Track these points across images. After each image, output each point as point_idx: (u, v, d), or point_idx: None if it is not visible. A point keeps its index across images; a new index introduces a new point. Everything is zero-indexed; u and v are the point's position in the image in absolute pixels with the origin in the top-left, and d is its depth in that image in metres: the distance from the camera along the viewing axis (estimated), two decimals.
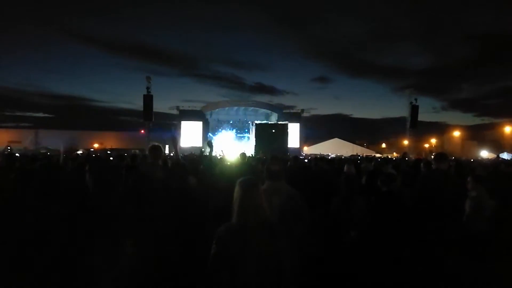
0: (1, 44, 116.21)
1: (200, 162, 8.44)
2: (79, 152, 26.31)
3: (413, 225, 3.49)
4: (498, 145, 49.90)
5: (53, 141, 49.42)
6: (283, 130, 28.93)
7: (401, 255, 3.34)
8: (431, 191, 4.03)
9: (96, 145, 49.74)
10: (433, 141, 60.34)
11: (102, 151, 31.15)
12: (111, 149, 30.70)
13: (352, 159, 13.28)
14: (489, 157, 31.75)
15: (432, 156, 4.78)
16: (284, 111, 39.93)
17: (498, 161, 12.90)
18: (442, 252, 3.60)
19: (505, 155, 32.07)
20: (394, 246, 3.35)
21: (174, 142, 5.47)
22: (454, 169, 5.98)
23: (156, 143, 4.48)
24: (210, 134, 36.69)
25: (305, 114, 41.17)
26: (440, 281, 3.52)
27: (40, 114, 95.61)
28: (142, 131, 43.28)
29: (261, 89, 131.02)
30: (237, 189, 2.37)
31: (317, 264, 3.50)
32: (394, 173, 5.20)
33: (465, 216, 3.79)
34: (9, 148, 31.09)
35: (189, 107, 39.28)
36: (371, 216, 3.54)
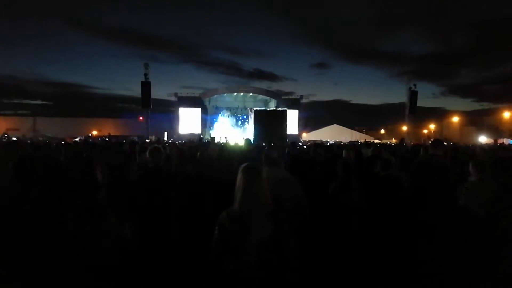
0: None
1: (197, 149, 8.47)
2: (77, 139, 26.22)
3: (410, 209, 3.49)
4: (497, 130, 49.87)
5: (51, 129, 49.48)
6: (282, 117, 28.80)
7: (400, 239, 3.35)
8: (425, 175, 4.03)
9: (94, 132, 49.65)
10: (432, 126, 60.37)
11: (101, 137, 31.05)
12: (109, 136, 30.61)
13: (351, 145, 13.27)
14: (488, 143, 31.77)
15: (429, 142, 4.77)
16: (282, 97, 39.74)
17: (496, 147, 12.89)
18: (438, 236, 3.60)
19: (506, 140, 32.09)
20: (393, 230, 3.35)
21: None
22: (450, 154, 5.97)
23: (156, 145, 4.43)
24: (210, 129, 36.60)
25: (304, 101, 40.98)
26: (434, 264, 3.53)
27: (38, 102, 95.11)
28: (141, 118, 43.23)
29: (259, 75, 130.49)
30: (240, 175, 2.36)
31: (318, 251, 3.50)
32: (392, 158, 5.18)
33: (461, 199, 3.77)
34: (6, 135, 31.03)
35: (187, 93, 39.06)
36: (369, 201, 3.53)
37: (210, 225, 2.33)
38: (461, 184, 3.84)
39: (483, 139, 42.34)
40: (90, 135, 43.50)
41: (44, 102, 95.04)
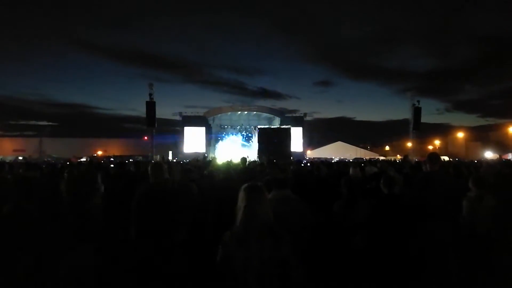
0: (5, 53, 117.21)
1: (204, 168, 8.56)
2: (82, 159, 26.44)
3: (413, 227, 3.53)
4: (503, 145, 49.63)
5: (57, 149, 49.89)
6: (286, 134, 28.92)
7: (405, 256, 3.38)
8: (423, 192, 4.09)
9: (99, 152, 50.00)
10: (437, 142, 60.19)
11: (106, 158, 31.29)
12: (114, 156, 30.84)
13: (357, 162, 13.32)
14: (494, 158, 31.61)
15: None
16: (286, 115, 39.99)
17: (501, 162, 12.87)
18: (440, 253, 3.62)
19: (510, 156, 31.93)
20: (397, 248, 3.38)
21: None
22: (453, 170, 6.01)
23: (158, 160, 4.52)
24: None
25: (308, 118, 41.24)
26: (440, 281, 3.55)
27: (44, 123, 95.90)
28: (146, 138, 43.51)
29: (263, 93, 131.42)
30: (241, 194, 2.36)
31: (323, 269, 3.53)
32: (396, 175, 5.22)
33: (461, 217, 3.81)
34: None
35: (191, 113, 39.46)
36: (373, 219, 3.58)
37: (212, 245, 2.37)
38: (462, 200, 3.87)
39: (488, 154, 42.16)
40: (95, 155, 43.80)
41: (50, 123, 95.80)
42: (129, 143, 58.60)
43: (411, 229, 3.45)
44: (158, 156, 27.87)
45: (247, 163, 9.01)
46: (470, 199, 3.87)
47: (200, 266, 3.44)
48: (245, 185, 2.43)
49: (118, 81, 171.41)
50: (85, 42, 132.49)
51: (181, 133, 37.61)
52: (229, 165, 6.93)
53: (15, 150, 51.04)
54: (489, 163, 11.77)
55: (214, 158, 8.99)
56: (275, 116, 39.80)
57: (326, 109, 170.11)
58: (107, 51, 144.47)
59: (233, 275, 2.17)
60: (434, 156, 4.51)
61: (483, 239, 3.50)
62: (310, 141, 44.72)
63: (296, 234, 2.63)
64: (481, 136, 63.06)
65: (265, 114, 40.43)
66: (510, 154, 34.91)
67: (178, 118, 38.74)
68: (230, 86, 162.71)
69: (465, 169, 6.69)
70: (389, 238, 3.39)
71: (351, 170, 6.17)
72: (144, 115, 28.52)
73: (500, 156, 22.63)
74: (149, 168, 3.90)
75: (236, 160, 9.68)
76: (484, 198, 3.80)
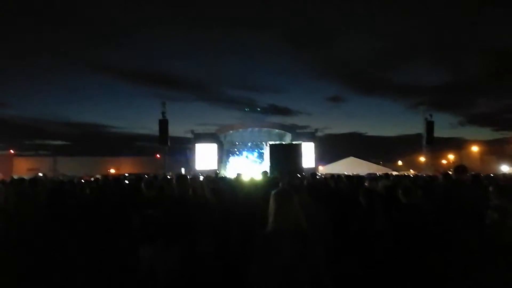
0: (19, 74, 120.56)
1: (217, 182, 8.61)
2: (97, 176, 26.68)
3: (436, 235, 3.45)
4: None
5: (71, 168, 50.52)
6: (297, 150, 28.83)
7: (427, 264, 3.30)
8: (452, 200, 4.01)
9: (112, 171, 50.41)
10: (451, 157, 59.34)
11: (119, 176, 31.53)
12: (129, 174, 31.11)
13: (372, 176, 13.21)
14: (510, 172, 30.99)
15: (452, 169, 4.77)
16: (297, 131, 39.94)
17: None
18: (469, 261, 3.53)
19: None
20: (419, 255, 3.31)
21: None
22: (472, 181, 5.90)
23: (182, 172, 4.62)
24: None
25: (319, 134, 41.05)
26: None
27: (59, 142, 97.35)
28: (158, 156, 43.75)
29: (274, 110, 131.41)
30: (272, 199, 2.48)
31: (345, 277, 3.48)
32: (413, 186, 5.15)
33: (489, 224, 3.71)
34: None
35: (203, 130, 39.66)
36: (394, 227, 3.52)
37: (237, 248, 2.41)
38: (485, 208, 3.79)
39: (505, 168, 41.35)
40: (108, 174, 44.18)
41: (64, 142, 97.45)
42: (142, 161, 59.07)
43: (434, 237, 3.38)
44: (171, 173, 27.95)
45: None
46: (496, 207, 3.78)
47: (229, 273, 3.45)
48: (275, 190, 2.55)
49: (131, 100, 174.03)
50: (98, 63, 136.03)
51: (192, 150, 37.72)
52: (252, 180, 7.04)
53: (29, 169, 51.78)
54: (507, 176, 11.53)
55: (239, 174, 9.12)
56: (286, 132, 39.77)
57: (338, 124, 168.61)
58: (120, 71, 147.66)
59: (264, 278, 2.19)
60: (462, 168, 4.50)
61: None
62: (322, 156, 44.43)
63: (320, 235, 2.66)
64: (496, 149, 62.01)
65: (276, 131, 40.42)
66: None
67: (190, 135, 38.96)
68: (241, 103, 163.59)
69: (484, 179, 6.57)
70: (410, 246, 3.33)
71: (367, 183, 6.11)
72: (156, 134, 28.74)
73: None
74: (174, 181, 4.02)
75: (255, 175, 9.73)
76: (509, 206, 3.71)
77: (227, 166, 36.66)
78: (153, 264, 3.38)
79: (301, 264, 2.20)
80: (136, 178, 7.78)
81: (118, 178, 9.41)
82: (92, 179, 14.18)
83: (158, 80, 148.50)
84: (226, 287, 3.67)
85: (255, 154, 38.24)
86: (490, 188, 3.98)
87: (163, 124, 27.84)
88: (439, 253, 3.36)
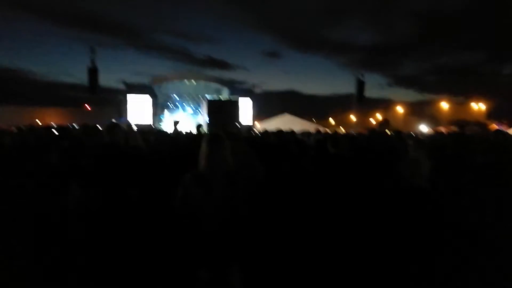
0: None
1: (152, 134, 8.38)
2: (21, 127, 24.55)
3: (354, 181, 3.71)
4: (435, 120, 53.43)
5: None
6: (235, 106, 28.89)
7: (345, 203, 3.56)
8: (374, 149, 4.34)
9: (38, 122, 46.72)
10: (379, 116, 63.29)
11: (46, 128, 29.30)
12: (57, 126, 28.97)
13: (305, 132, 13.72)
14: (428, 131, 33.91)
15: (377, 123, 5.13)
16: (235, 85, 39.76)
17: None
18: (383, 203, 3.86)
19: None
20: (340, 197, 3.57)
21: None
22: (394, 135, 6.42)
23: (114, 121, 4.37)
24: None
25: (256, 90, 41.23)
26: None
27: None
28: (87, 107, 41.04)
29: (211, 62, 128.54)
30: (204, 143, 2.56)
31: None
32: (342, 138, 5.43)
33: (406, 173, 4.07)
34: None
35: (136, 80, 37.86)
36: (322, 175, 3.72)
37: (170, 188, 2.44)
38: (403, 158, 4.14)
39: (423, 128, 45.13)
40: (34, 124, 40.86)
41: None
42: (69, 113, 55.14)
43: (353, 183, 3.64)
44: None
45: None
46: (413, 157, 4.14)
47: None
48: (208, 134, 2.66)
49: (54, 44, 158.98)
50: (17, 1, 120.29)
51: (124, 101, 35.84)
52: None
53: None
54: (424, 134, 12.67)
55: (176, 123, 8.58)
56: (224, 87, 39.39)
57: (274, 81, 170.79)
58: (41, 10, 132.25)
59: (189, 214, 2.27)
60: (385, 121, 4.79)
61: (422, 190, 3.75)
62: (258, 113, 44.91)
63: (246, 177, 2.76)
64: (418, 110, 67.15)
65: (213, 84, 39.84)
66: (441, 128, 37.64)
67: (121, 86, 36.93)
68: (177, 53, 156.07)
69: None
70: (333, 189, 3.57)
71: (300, 136, 6.33)
72: (84, 83, 26.72)
73: (433, 129, 24.32)
74: (104, 130, 3.81)
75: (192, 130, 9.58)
76: (424, 158, 4.08)
77: (162, 120, 35.69)
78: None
79: (225, 204, 2.30)
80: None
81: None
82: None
83: (86, 23, 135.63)
84: (148, 225, 3.65)
85: (191, 108, 37.59)
86: (409, 142, 4.34)
87: (93, 72, 25.95)
88: (356, 197, 3.63)
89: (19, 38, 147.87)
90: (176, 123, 5.58)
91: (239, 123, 28.01)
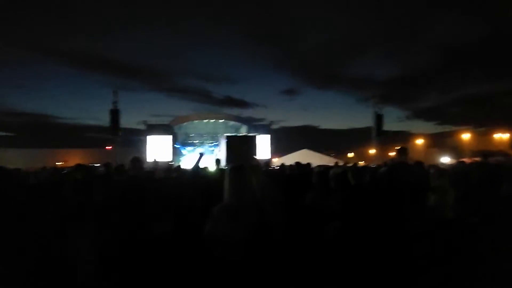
0: None
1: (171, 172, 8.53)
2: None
3: (380, 213, 3.65)
4: (457, 151, 52.24)
5: (14, 161, 47.30)
6: (253, 141, 29.16)
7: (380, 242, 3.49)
8: (396, 180, 4.28)
9: (60, 163, 47.94)
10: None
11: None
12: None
13: (323, 165, 13.62)
14: (449, 162, 33.16)
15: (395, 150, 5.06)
16: (253, 123, 40.18)
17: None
18: (412, 237, 3.77)
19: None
20: (372, 235, 3.49)
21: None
22: (415, 164, 6.33)
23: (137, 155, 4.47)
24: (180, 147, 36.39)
25: (274, 126, 41.59)
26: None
27: (1, 133, 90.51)
28: (108, 147, 41.97)
29: (230, 102, 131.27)
30: (228, 174, 2.57)
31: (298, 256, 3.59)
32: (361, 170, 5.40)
33: (430, 204, 4.01)
34: None
35: (157, 121, 38.65)
36: (346, 207, 3.68)
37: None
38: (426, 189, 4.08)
39: (445, 159, 44.14)
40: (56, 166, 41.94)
41: (6, 134, 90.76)
42: (91, 153, 56.48)
43: (383, 215, 3.57)
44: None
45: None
46: (435, 188, 4.08)
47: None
48: (230, 166, 2.66)
49: (80, 89, 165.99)
50: (45, 48, 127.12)
51: (144, 141, 36.53)
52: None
53: None
54: (445, 164, 12.44)
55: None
56: (242, 124, 39.93)
57: (292, 117, 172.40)
58: (68, 57, 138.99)
59: (220, 245, 2.24)
60: (402, 148, 4.75)
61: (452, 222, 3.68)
62: (277, 148, 44.97)
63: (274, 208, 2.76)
64: (438, 142, 65.99)
65: (232, 123, 40.45)
66: (464, 159, 36.78)
67: (142, 127, 37.82)
68: (196, 94, 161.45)
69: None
70: (362, 226, 3.51)
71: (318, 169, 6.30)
72: (106, 124, 27.70)
73: (456, 160, 23.80)
74: (129, 162, 3.91)
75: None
76: (447, 186, 4.02)
77: (181, 158, 36.10)
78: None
79: (257, 236, 2.28)
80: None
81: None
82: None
83: (110, 68, 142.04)
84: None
85: (211, 146, 38.00)
86: (431, 171, 4.30)
87: (115, 114, 26.93)
88: (384, 230, 3.56)
89: (47, 84, 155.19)
90: (201, 155, 5.69)
91: (256, 157, 28.14)
